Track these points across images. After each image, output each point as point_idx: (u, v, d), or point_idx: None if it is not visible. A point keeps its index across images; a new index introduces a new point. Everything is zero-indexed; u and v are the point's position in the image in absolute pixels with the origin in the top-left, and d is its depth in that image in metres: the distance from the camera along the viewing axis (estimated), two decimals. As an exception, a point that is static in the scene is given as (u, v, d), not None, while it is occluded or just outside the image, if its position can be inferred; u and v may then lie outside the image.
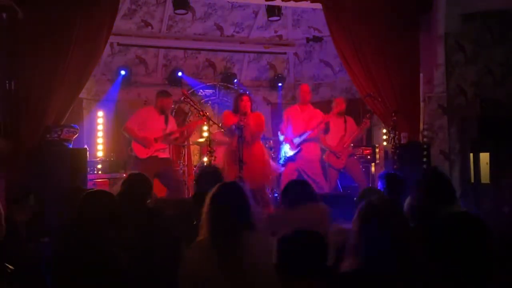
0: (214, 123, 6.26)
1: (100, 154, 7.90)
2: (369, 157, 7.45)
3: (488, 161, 5.68)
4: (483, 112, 6.04)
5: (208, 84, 8.84)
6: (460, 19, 6.36)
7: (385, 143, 7.95)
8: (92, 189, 3.35)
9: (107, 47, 7.43)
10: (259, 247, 2.33)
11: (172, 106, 6.36)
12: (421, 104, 6.34)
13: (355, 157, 6.93)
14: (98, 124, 8.10)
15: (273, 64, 9.39)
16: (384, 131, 7.85)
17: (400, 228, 2.01)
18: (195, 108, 5.82)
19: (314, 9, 7.42)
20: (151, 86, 8.28)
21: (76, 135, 5.36)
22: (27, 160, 5.01)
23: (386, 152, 7.66)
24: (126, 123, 6.04)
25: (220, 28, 8.65)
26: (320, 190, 5.83)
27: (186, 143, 7.79)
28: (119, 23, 7.53)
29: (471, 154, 5.96)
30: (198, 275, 2.34)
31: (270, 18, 7.95)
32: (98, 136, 8.06)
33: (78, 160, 5.19)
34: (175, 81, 8.52)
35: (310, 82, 9.27)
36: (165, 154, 6.13)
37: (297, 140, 6.28)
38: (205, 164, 6.70)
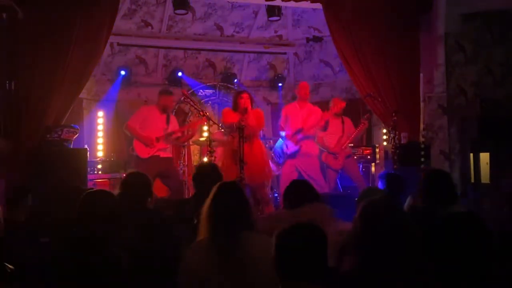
0: (214, 123, 6.26)
1: (100, 154, 7.90)
2: (369, 157, 7.46)
3: (488, 161, 5.68)
4: (483, 112, 6.03)
5: (208, 84, 8.84)
6: (460, 19, 6.36)
7: (385, 143, 7.96)
8: (92, 188, 3.35)
9: (107, 47, 7.43)
10: (259, 247, 2.33)
11: (174, 104, 6.34)
12: (421, 104, 6.34)
13: (353, 158, 6.92)
14: (98, 124, 8.10)
15: (273, 64, 9.39)
16: (384, 131, 7.85)
17: (400, 228, 2.01)
18: (195, 108, 5.82)
19: (314, 9, 7.42)
20: (151, 86, 8.28)
21: (76, 135, 5.37)
22: (27, 160, 5.01)
23: (386, 152, 7.67)
24: (128, 121, 6.04)
25: (220, 28, 8.65)
26: (319, 189, 5.83)
27: (186, 143, 7.79)
28: (119, 23, 7.53)
29: (471, 154, 5.96)
30: (198, 275, 2.34)
31: (270, 18, 7.95)
32: (98, 136, 8.06)
33: (78, 160, 5.20)
34: (175, 81, 8.53)
35: (310, 82, 9.26)
36: (166, 154, 6.13)
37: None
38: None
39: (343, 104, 6.53)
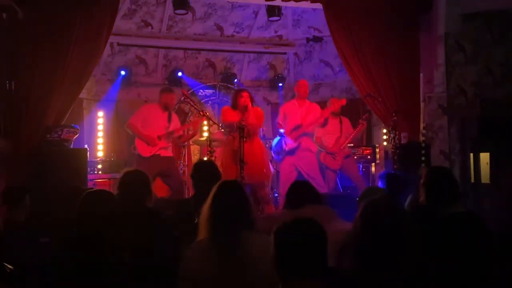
0: (214, 123, 6.26)
1: (100, 154, 7.90)
2: (369, 157, 7.46)
3: (488, 161, 5.68)
4: (483, 112, 6.03)
5: (208, 84, 8.85)
6: (460, 19, 6.36)
7: (385, 143, 7.96)
8: (92, 188, 3.34)
9: (107, 47, 7.44)
10: (259, 247, 2.33)
11: (176, 102, 6.33)
12: (421, 104, 6.34)
13: (352, 158, 6.92)
14: (98, 124, 8.11)
15: (273, 64, 9.39)
16: (384, 131, 7.86)
17: (401, 227, 2.01)
18: (195, 108, 5.82)
19: (314, 9, 7.42)
20: (151, 86, 8.29)
21: (76, 135, 5.36)
22: (27, 160, 5.01)
23: (386, 152, 7.67)
24: (130, 120, 6.01)
25: (220, 28, 8.65)
26: (319, 188, 5.82)
27: (186, 142, 7.79)
28: (119, 23, 7.53)
29: (471, 154, 5.96)
30: (198, 275, 2.34)
31: (270, 18, 7.96)
32: (98, 136, 8.07)
33: (78, 160, 5.20)
34: (175, 81, 8.53)
35: (310, 82, 9.27)
36: (167, 153, 6.11)
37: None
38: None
39: (343, 102, 6.49)
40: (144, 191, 3.20)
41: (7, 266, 2.33)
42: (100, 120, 8.13)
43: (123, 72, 8.19)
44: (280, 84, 9.25)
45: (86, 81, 5.65)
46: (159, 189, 6.30)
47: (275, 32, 8.93)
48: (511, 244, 2.39)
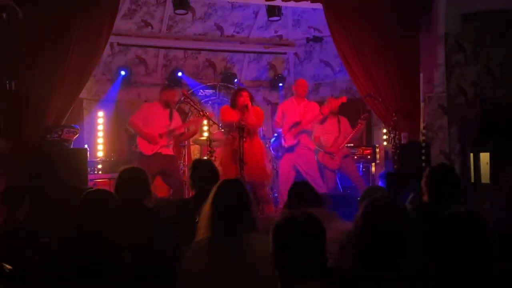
0: (214, 123, 6.26)
1: (100, 154, 7.91)
2: (369, 157, 7.46)
3: (488, 161, 5.68)
4: (483, 112, 6.03)
5: (208, 84, 8.85)
6: (460, 19, 6.36)
7: (385, 143, 7.96)
8: (92, 187, 3.34)
9: (107, 47, 7.44)
10: (259, 247, 2.32)
11: (177, 99, 6.31)
12: (421, 104, 6.34)
13: (351, 158, 6.92)
14: (98, 124, 8.11)
15: (273, 64, 9.40)
16: (384, 131, 7.86)
17: (402, 227, 2.01)
18: (195, 108, 5.82)
19: (314, 9, 7.43)
20: (151, 86, 8.29)
21: (76, 135, 5.36)
22: (27, 160, 5.01)
23: (386, 152, 7.67)
24: (131, 118, 6.00)
25: (220, 28, 8.65)
26: (317, 188, 5.82)
27: (187, 142, 7.78)
28: (119, 23, 7.53)
29: (471, 154, 5.96)
30: (198, 275, 2.34)
31: (270, 18, 7.95)
32: (99, 136, 8.07)
33: (78, 160, 5.19)
34: (175, 81, 8.52)
35: (310, 82, 9.28)
36: (169, 151, 6.10)
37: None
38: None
39: (343, 100, 6.43)
40: (142, 189, 3.16)
41: (6, 266, 2.33)
42: (100, 120, 8.13)
43: (123, 72, 8.19)
44: (280, 84, 9.25)
45: (86, 81, 5.64)
46: (159, 189, 6.30)
47: (275, 32, 8.93)
48: (511, 244, 2.39)
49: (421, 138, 6.26)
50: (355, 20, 6.17)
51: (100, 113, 8.14)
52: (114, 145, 8.19)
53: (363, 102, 6.84)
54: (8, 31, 5.22)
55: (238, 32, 8.80)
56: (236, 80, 8.98)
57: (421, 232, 2.03)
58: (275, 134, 6.61)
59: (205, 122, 7.96)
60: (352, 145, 7.57)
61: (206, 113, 5.75)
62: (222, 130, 6.32)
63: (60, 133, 5.14)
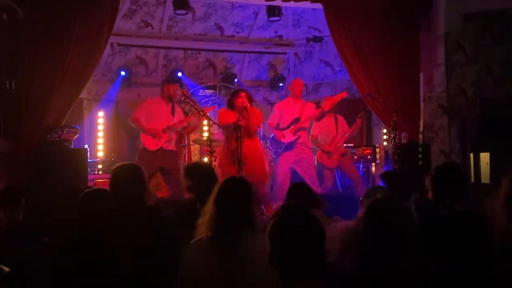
0: (215, 123, 6.25)
1: (100, 154, 7.90)
2: (369, 157, 7.46)
3: (488, 161, 5.68)
4: (483, 112, 6.04)
5: (208, 84, 8.84)
6: (460, 19, 6.37)
7: (385, 143, 7.96)
8: (91, 187, 3.33)
9: (108, 47, 7.43)
10: (259, 247, 2.32)
11: (179, 92, 6.29)
12: (421, 104, 6.34)
13: (349, 156, 6.91)
14: (98, 124, 8.11)
15: (273, 64, 9.40)
16: (384, 131, 7.85)
17: (403, 227, 2.01)
18: (196, 108, 5.81)
19: (314, 9, 7.43)
20: (151, 86, 8.28)
21: (76, 136, 5.36)
22: (27, 160, 5.01)
23: (386, 152, 7.67)
24: (133, 114, 5.97)
25: (220, 28, 8.65)
26: (314, 187, 5.82)
27: (186, 143, 7.77)
28: (119, 23, 7.53)
29: (471, 154, 5.96)
30: (198, 275, 2.33)
31: (270, 18, 7.95)
32: (99, 136, 8.06)
33: (78, 160, 5.20)
34: (175, 82, 8.51)
35: (310, 82, 9.29)
36: (171, 146, 6.08)
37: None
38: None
39: (344, 95, 6.36)
40: (138, 187, 3.08)
41: (4, 268, 2.32)
42: (100, 120, 8.13)
43: (123, 73, 8.19)
44: (281, 84, 9.25)
45: (86, 81, 5.64)
46: (162, 188, 6.30)
47: (275, 32, 8.93)
48: (511, 244, 2.38)
49: (421, 138, 6.26)
50: (355, 20, 6.18)
51: (100, 113, 8.14)
52: (114, 145, 8.19)
53: (363, 102, 6.84)
54: (8, 31, 5.22)
55: (238, 32, 8.80)
56: (236, 80, 8.98)
57: (422, 232, 2.03)
58: (271, 136, 6.59)
59: (205, 122, 7.96)
60: (352, 145, 7.57)
61: (206, 113, 5.74)
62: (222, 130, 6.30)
63: (60, 133, 5.14)
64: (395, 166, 5.87)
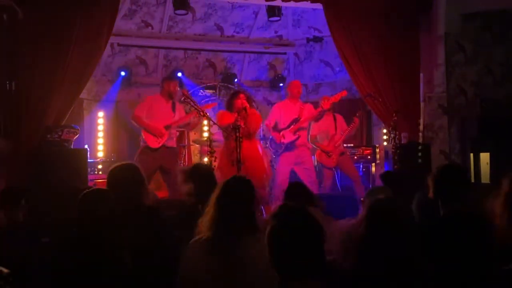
0: (215, 123, 6.25)
1: (100, 154, 7.91)
2: (369, 157, 7.46)
3: (488, 161, 5.68)
4: (483, 112, 6.04)
5: (208, 84, 8.85)
6: (460, 19, 6.37)
7: (385, 143, 7.96)
8: (91, 187, 3.32)
9: (108, 47, 7.43)
10: (259, 247, 2.32)
11: (178, 89, 6.28)
12: (421, 104, 6.34)
13: (347, 155, 6.91)
14: (98, 124, 8.11)
15: (273, 64, 9.40)
16: (384, 131, 7.85)
17: (404, 227, 2.01)
18: (196, 108, 5.81)
19: (314, 9, 7.43)
20: (151, 86, 8.27)
21: (76, 136, 5.36)
22: (27, 160, 5.01)
23: (386, 152, 7.67)
24: (135, 111, 5.94)
25: (220, 29, 8.65)
26: (312, 188, 5.83)
27: (186, 143, 7.77)
28: (119, 24, 7.54)
29: (471, 154, 5.96)
30: (198, 275, 2.33)
31: (270, 19, 7.95)
32: (99, 137, 8.07)
33: (78, 160, 5.19)
34: (174, 79, 8.50)
35: (310, 82, 9.30)
36: (172, 143, 6.07)
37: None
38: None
39: (344, 94, 6.29)
40: (138, 187, 3.06)
41: (2, 270, 2.32)
42: (101, 121, 8.13)
43: (123, 73, 8.19)
44: (281, 84, 9.25)
45: (87, 81, 5.64)
46: (159, 190, 6.30)
47: (275, 32, 8.93)
48: (511, 244, 2.38)
49: (421, 138, 6.26)
50: (355, 20, 6.18)
51: (100, 114, 8.14)
52: (114, 145, 8.19)
53: (363, 102, 6.84)
54: (8, 31, 5.23)
55: (238, 32, 8.80)
56: (236, 80, 8.98)
57: (422, 232, 2.03)
58: (271, 136, 6.58)
59: (205, 122, 7.96)
60: (352, 145, 7.58)
61: (206, 113, 5.74)
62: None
63: (60, 133, 5.14)
64: (395, 166, 5.87)
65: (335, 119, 6.66)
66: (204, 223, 2.44)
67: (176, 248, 2.72)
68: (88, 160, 5.73)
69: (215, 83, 8.90)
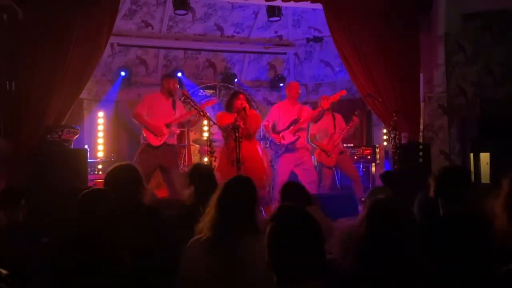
0: (215, 123, 6.25)
1: (100, 154, 7.91)
2: (369, 157, 7.47)
3: (488, 161, 5.68)
4: (483, 112, 6.04)
5: (208, 84, 8.85)
6: (460, 19, 6.37)
7: (385, 143, 7.96)
8: (91, 187, 3.31)
9: (108, 47, 7.44)
10: (259, 248, 2.32)
11: (178, 86, 6.27)
12: (421, 104, 6.34)
13: (347, 154, 6.91)
14: (98, 124, 8.11)
15: (273, 64, 9.40)
16: (384, 131, 7.85)
17: (405, 228, 2.01)
18: (196, 108, 5.82)
19: (314, 9, 7.43)
20: (151, 86, 8.27)
21: (76, 136, 5.36)
22: (27, 160, 5.01)
23: (386, 152, 7.67)
24: (136, 109, 5.93)
25: (220, 29, 8.66)
26: (313, 189, 5.83)
27: (186, 142, 7.77)
28: (119, 24, 7.54)
29: (471, 154, 5.96)
30: (198, 275, 2.33)
31: (270, 19, 7.95)
32: (99, 137, 8.07)
33: (78, 160, 5.19)
34: (174, 76, 8.50)
35: (310, 82, 9.30)
36: (173, 140, 6.07)
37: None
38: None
39: (343, 93, 6.28)
40: (137, 187, 3.07)
41: (1, 272, 2.32)
42: (101, 121, 8.13)
43: (123, 73, 8.19)
44: (281, 84, 9.25)
45: (87, 81, 5.64)
46: (159, 189, 6.30)
47: (275, 32, 8.93)
48: (511, 244, 2.39)
49: (421, 138, 6.26)
50: (355, 20, 6.18)
51: (100, 114, 8.15)
52: (114, 146, 8.19)
53: (363, 102, 6.84)
54: (8, 31, 5.22)
55: (238, 33, 8.81)
56: (236, 80, 8.98)
57: (422, 232, 2.03)
58: (270, 138, 6.57)
59: (205, 122, 7.96)
60: (352, 145, 7.58)
61: (206, 113, 5.74)
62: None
63: (60, 133, 5.14)
64: (395, 166, 5.87)
65: (334, 118, 6.66)
66: (205, 224, 2.44)
67: (176, 248, 2.72)
68: (88, 160, 5.73)
69: (215, 83, 8.91)
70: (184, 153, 7.80)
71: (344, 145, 6.89)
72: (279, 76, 9.31)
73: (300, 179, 6.02)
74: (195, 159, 8.32)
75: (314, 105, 6.52)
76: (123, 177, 3.06)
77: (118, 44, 8.18)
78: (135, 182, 3.08)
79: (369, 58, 6.15)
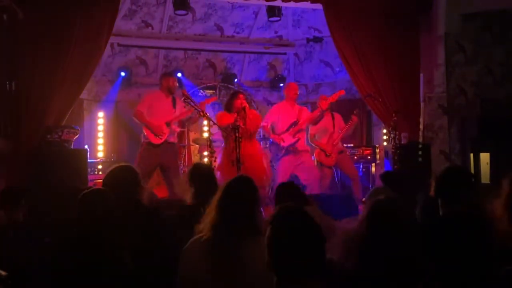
0: (215, 123, 6.25)
1: (100, 154, 7.91)
2: (369, 157, 7.47)
3: (488, 161, 5.68)
4: (483, 112, 6.05)
5: (208, 84, 8.85)
6: (460, 19, 6.37)
7: (385, 143, 7.96)
8: (91, 187, 3.31)
9: (108, 47, 7.43)
10: (260, 248, 2.32)
11: (177, 84, 6.26)
12: (421, 104, 6.34)
13: (346, 153, 6.91)
14: (98, 124, 8.11)
15: (273, 65, 9.40)
16: (384, 131, 7.85)
17: (405, 228, 2.01)
18: (196, 108, 5.82)
19: (314, 9, 7.43)
20: (152, 86, 8.26)
21: (76, 136, 5.36)
22: (27, 160, 5.01)
23: (386, 152, 7.67)
24: (137, 107, 5.93)
25: (220, 29, 8.65)
26: (313, 190, 5.83)
27: (186, 143, 7.76)
28: (120, 24, 7.54)
29: (471, 154, 5.96)
30: (198, 275, 2.33)
31: (271, 19, 7.95)
32: (99, 137, 8.07)
33: (78, 160, 5.20)
34: (173, 74, 8.50)
35: (310, 82, 9.30)
36: (173, 138, 6.07)
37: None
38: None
39: (342, 93, 6.27)
40: (137, 187, 3.08)
41: (1, 273, 2.32)
42: (101, 121, 8.13)
43: (123, 73, 8.19)
44: (281, 85, 9.24)
45: (87, 81, 5.64)
46: (159, 189, 6.30)
47: (275, 32, 8.93)
48: (511, 244, 2.39)
49: (421, 138, 6.26)
50: (355, 20, 6.18)
51: (101, 114, 8.14)
52: (114, 146, 8.19)
53: (362, 102, 6.84)
54: (8, 31, 5.23)
55: (238, 33, 8.80)
56: (236, 80, 8.98)
57: (423, 233, 2.03)
58: (270, 140, 6.57)
59: (205, 122, 7.95)
60: (352, 145, 7.58)
61: (206, 113, 5.74)
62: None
63: (60, 133, 5.14)
64: (395, 166, 5.87)
65: (333, 117, 6.67)
66: (205, 224, 2.44)
67: (176, 248, 2.72)
68: (88, 160, 5.73)
69: (215, 83, 8.91)
70: (184, 153, 7.80)
71: (344, 145, 6.89)
72: (279, 76, 9.30)
73: (302, 180, 6.02)
74: (195, 159, 8.32)
75: (314, 105, 6.52)
76: (123, 178, 3.07)
77: (118, 44, 8.17)
78: (135, 182, 3.09)
79: (369, 58, 6.15)
